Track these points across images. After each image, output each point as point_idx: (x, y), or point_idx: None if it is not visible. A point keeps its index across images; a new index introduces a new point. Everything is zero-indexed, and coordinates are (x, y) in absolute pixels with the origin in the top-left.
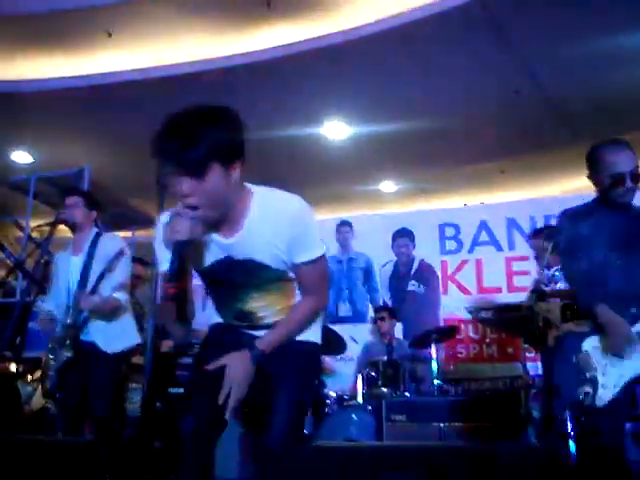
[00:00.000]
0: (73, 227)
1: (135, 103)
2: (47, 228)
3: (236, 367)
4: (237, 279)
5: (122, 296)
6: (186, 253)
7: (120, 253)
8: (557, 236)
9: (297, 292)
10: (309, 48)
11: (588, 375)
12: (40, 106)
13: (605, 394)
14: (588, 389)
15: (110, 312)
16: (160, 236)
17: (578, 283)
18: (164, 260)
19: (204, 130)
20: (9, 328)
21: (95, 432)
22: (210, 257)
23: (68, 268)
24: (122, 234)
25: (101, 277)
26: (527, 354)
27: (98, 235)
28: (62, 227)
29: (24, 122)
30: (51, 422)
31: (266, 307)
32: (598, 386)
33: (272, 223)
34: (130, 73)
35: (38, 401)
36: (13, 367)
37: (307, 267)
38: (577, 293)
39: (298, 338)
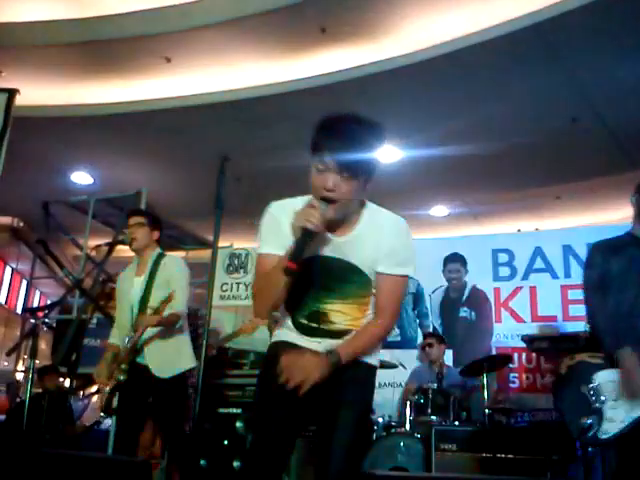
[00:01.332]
0: (134, 248)
1: (192, 128)
2: (105, 248)
3: (310, 357)
4: (329, 277)
5: (180, 322)
6: (309, 241)
7: (182, 288)
8: (585, 270)
9: (369, 313)
10: (363, 73)
11: (595, 406)
12: (100, 129)
13: (611, 427)
14: (591, 420)
15: (170, 324)
16: (275, 220)
17: (603, 321)
18: (271, 242)
19: (371, 142)
20: (65, 344)
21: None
22: (316, 250)
23: (130, 288)
24: (176, 254)
25: (164, 302)
26: None
27: (161, 255)
28: (120, 247)
29: (84, 144)
30: (101, 438)
31: (341, 314)
32: (604, 419)
33: (378, 232)
34: (187, 99)
35: (90, 416)
36: (67, 382)
37: (391, 280)
38: (601, 331)
39: (363, 360)
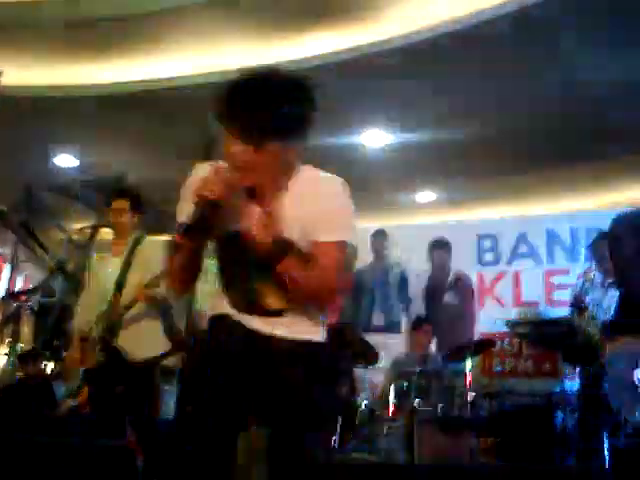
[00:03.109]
0: (116, 229)
1: (180, 110)
2: (89, 231)
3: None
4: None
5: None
6: (209, 214)
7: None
8: (615, 243)
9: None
10: (351, 56)
11: None
12: (84, 111)
13: None
14: None
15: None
16: (188, 187)
17: None
18: (185, 212)
19: (276, 100)
20: (47, 328)
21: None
22: (242, 224)
23: (106, 269)
24: (160, 237)
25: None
26: (565, 370)
27: (139, 238)
28: (103, 230)
29: (68, 126)
30: (85, 421)
31: (278, 290)
32: None
33: (308, 198)
34: (175, 80)
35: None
36: (51, 366)
37: (322, 248)
38: None
39: (304, 337)
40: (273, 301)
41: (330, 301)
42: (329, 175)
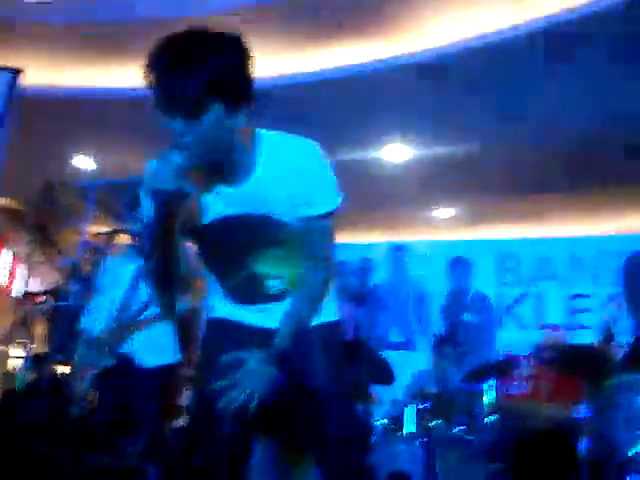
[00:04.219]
0: (135, 235)
1: None
2: (107, 235)
3: (250, 367)
4: (243, 238)
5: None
6: (171, 205)
7: None
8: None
9: (303, 260)
10: (369, 70)
11: None
12: (103, 113)
13: None
14: None
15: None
16: (146, 185)
17: None
18: (145, 214)
19: (205, 60)
20: (61, 331)
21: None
22: (213, 212)
23: (120, 272)
24: None
25: None
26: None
27: None
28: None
29: (87, 128)
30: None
31: (274, 273)
32: None
33: (282, 169)
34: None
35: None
36: (65, 370)
37: (316, 222)
38: None
39: (315, 322)
40: (273, 284)
41: (331, 273)
42: (299, 140)
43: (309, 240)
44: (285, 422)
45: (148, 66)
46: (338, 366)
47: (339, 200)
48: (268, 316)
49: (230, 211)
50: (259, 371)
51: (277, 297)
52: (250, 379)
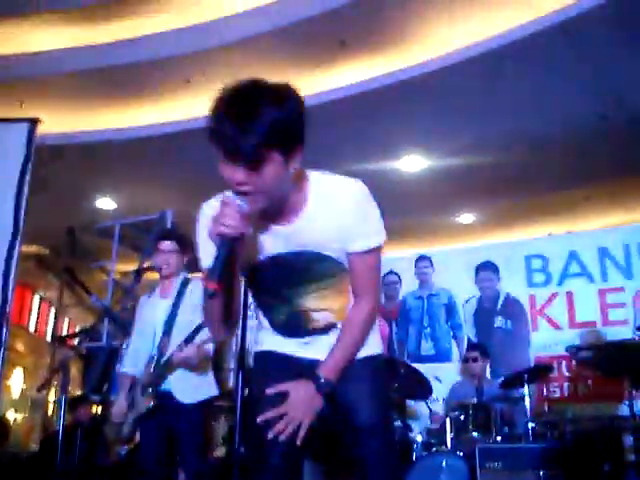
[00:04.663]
0: (163, 271)
1: (211, 149)
2: (134, 274)
3: (299, 396)
4: (293, 274)
5: (211, 349)
6: (233, 249)
7: None
8: None
9: (350, 297)
10: (385, 84)
11: None
12: (122, 154)
13: None
14: None
15: (199, 364)
16: (203, 229)
17: None
18: (208, 255)
19: (264, 112)
20: (96, 372)
21: None
22: (266, 250)
23: (154, 312)
24: (198, 275)
25: (198, 329)
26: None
27: (187, 280)
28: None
29: (107, 170)
30: (132, 466)
31: (321, 308)
32: None
33: (332, 207)
34: (204, 119)
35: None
36: (100, 411)
37: (361, 257)
38: None
39: (360, 356)
40: (319, 317)
41: (377, 308)
42: (345, 180)
43: (356, 275)
44: (330, 452)
45: (211, 116)
46: (383, 398)
47: (384, 236)
48: (314, 348)
49: (282, 249)
50: (307, 401)
51: (323, 330)
52: (298, 409)
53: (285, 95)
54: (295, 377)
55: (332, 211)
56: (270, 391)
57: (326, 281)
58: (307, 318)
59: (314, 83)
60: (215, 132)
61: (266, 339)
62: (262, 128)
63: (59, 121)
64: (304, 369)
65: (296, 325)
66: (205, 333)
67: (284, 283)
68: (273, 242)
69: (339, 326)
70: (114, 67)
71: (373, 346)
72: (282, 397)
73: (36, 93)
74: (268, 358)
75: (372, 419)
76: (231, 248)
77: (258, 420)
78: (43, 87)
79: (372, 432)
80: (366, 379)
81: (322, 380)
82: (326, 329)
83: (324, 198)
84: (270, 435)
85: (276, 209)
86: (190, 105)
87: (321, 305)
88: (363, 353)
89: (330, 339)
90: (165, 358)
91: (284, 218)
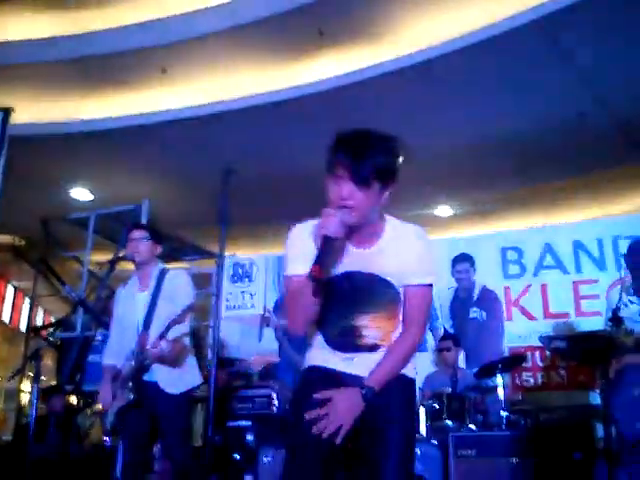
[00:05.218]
0: (137, 262)
1: (188, 139)
2: (108, 264)
3: (343, 400)
4: (358, 291)
5: (187, 341)
6: (331, 248)
7: (188, 308)
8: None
9: (399, 325)
10: (361, 78)
11: None
12: (98, 144)
13: None
14: None
15: (175, 359)
16: (298, 239)
17: None
18: (296, 262)
19: (384, 152)
20: (70, 363)
21: (175, 476)
22: (342, 266)
23: (134, 305)
24: (178, 266)
25: (169, 327)
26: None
27: (164, 271)
28: (122, 262)
29: (83, 160)
30: (109, 455)
31: (372, 327)
32: None
33: (402, 244)
34: (182, 111)
35: (97, 435)
36: (74, 400)
37: (417, 290)
38: None
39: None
40: (368, 335)
41: (421, 339)
42: (411, 225)
43: (409, 305)
44: (360, 455)
45: (338, 149)
46: (411, 417)
47: (436, 278)
48: (357, 365)
49: (352, 268)
50: (349, 406)
51: (369, 348)
52: (340, 412)
53: (392, 145)
54: (337, 387)
55: (401, 246)
56: (317, 396)
57: (383, 305)
58: (358, 334)
59: (293, 75)
60: (341, 155)
61: (313, 356)
62: (374, 162)
63: (35, 110)
64: (346, 382)
65: (346, 339)
66: (179, 329)
67: (350, 298)
68: (350, 261)
69: (383, 348)
70: (90, 57)
71: (410, 371)
72: (326, 402)
73: (10, 82)
74: (313, 371)
75: (399, 432)
76: (330, 247)
77: (306, 417)
78: (17, 76)
79: (396, 444)
80: (400, 395)
81: (366, 389)
82: (372, 348)
83: (397, 234)
84: (314, 430)
85: (360, 232)
86: (167, 96)
87: (373, 325)
88: (404, 373)
89: (374, 358)
90: (144, 353)
91: (363, 243)
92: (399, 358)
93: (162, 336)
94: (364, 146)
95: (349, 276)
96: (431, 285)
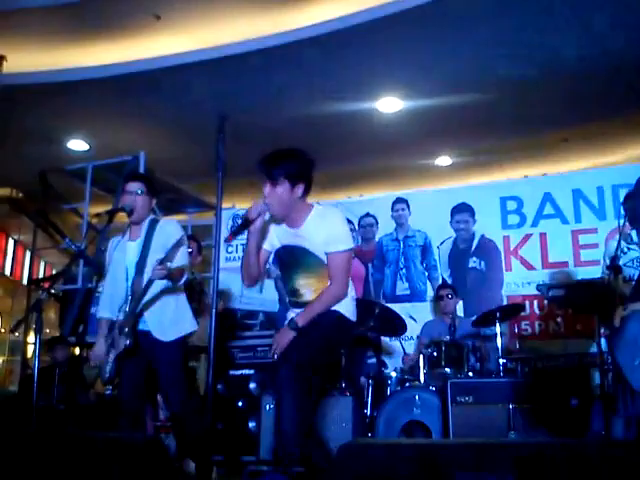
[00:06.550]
0: (132, 213)
1: (184, 87)
2: (106, 215)
3: (280, 333)
4: (293, 261)
5: (185, 264)
6: (248, 225)
7: (178, 243)
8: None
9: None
10: (361, 21)
11: None
12: (93, 93)
13: None
14: None
15: (179, 276)
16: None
17: None
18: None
19: (283, 160)
20: (72, 314)
21: (173, 423)
22: (281, 240)
23: (125, 255)
24: (177, 217)
25: (164, 259)
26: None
27: (155, 221)
28: (121, 213)
29: (78, 110)
30: (114, 405)
31: (307, 287)
32: None
33: (320, 224)
34: (178, 57)
35: (102, 385)
36: (77, 352)
37: (335, 256)
38: None
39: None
40: (306, 293)
41: (344, 293)
42: (329, 208)
43: (330, 267)
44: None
45: (259, 163)
46: (309, 333)
47: (352, 244)
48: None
49: (288, 242)
50: (281, 334)
51: (307, 303)
52: (277, 338)
53: (297, 156)
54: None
55: (319, 225)
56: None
57: (312, 270)
58: (299, 293)
59: (289, 19)
60: (262, 168)
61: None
62: (283, 167)
63: (27, 59)
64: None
65: (293, 296)
66: (178, 261)
67: (290, 266)
68: (286, 237)
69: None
70: (83, 3)
71: (340, 307)
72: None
73: (1, 29)
74: (284, 318)
75: (291, 355)
76: (247, 224)
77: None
78: (7, 23)
79: (285, 362)
80: (319, 319)
81: (292, 323)
82: (309, 302)
83: (318, 216)
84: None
85: (289, 218)
86: (161, 42)
87: (307, 285)
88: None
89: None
90: (144, 283)
91: (294, 224)
92: (320, 303)
93: (161, 262)
94: (275, 157)
95: (285, 248)
96: (345, 251)
